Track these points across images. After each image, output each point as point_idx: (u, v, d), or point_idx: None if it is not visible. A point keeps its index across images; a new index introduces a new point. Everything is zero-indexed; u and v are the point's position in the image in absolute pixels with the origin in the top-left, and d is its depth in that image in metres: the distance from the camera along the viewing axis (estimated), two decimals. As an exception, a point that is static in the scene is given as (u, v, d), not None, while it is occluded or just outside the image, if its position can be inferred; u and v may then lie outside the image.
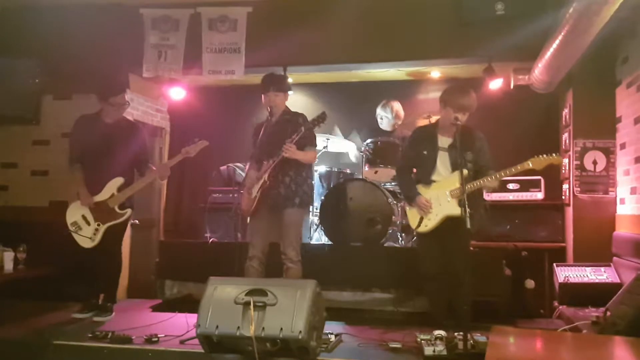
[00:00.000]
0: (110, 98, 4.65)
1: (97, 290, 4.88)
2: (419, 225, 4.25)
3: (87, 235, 4.58)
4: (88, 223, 4.60)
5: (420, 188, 4.26)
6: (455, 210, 4.06)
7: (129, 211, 4.64)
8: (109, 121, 4.74)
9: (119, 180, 4.62)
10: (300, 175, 4.48)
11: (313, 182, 4.95)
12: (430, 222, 4.20)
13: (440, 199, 4.17)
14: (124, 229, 4.85)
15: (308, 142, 4.42)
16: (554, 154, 4.05)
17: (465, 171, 3.97)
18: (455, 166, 4.14)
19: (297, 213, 4.46)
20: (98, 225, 4.58)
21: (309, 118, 4.48)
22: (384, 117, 5.84)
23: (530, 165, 4.03)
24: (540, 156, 4.03)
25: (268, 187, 4.38)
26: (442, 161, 4.23)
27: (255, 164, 4.56)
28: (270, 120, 4.54)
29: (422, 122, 5.78)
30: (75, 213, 4.63)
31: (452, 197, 4.11)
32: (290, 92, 4.92)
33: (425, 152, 4.26)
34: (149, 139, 6.60)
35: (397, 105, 5.87)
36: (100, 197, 4.60)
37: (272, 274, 4.38)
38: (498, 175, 4.09)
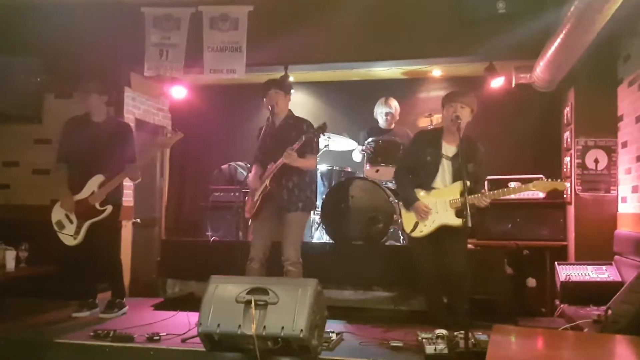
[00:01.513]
0: (78, 93, 4.80)
1: (94, 288, 4.91)
2: (413, 230, 4.26)
3: (70, 233, 4.65)
4: (71, 221, 4.67)
5: (419, 193, 4.25)
6: (452, 220, 4.08)
7: (108, 208, 4.65)
8: (97, 120, 4.81)
9: (99, 178, 4.66)
10: (303, 180, 4.49)
11: (315, 186, 4.97)
12: (425, 229, 4.20)
13: (439, 207, 4.18)
14: (113, 225, 4.90)
15: (308, 149, 4.42)
16: (559, 180, 4.09)
17: (467, 183, 4.00)
18: (456, 176, 4.15)
19: (300, 217, 4.46)
20: (80, 223, 4.63)
21: (311, 122, 4.50)
22: (387, 113, 5.86)
23: (533, 188, 4.06)
24: (546, 180, 4.05)
25: (270, 192, 4.38)
26: (445, 169, 4.24)
27: (260, 167, 4.56)
28: (273, 123, 4.53)
29: (424, 121, 5.80)
30: (59, 212, 4.71)
31: (451, 206, 4.11)
32: (292, 91, 4.92)
33: (428, 158, 4.25)
34: (152, 138, 6.64)
35: (395, 102, 5.95)
36: (81, 195, 4.66)
37: (274, 274, 4.36)
38: (500, 192, 4.10)
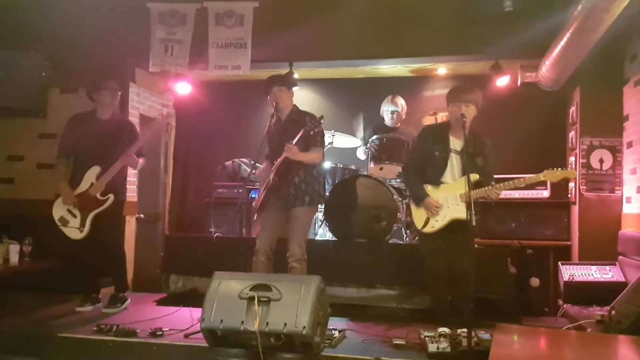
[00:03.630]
0: (92, 94, 4.83)
1: (97, 283, 4.94)
2: (424, 226, 4.24)
3: (76, 226, 4.67)
4: (74, 215, 4.70)
5: (429, 188, 4.24)
6: (463, 214, 4.05)
7: (110, 197, 4.69)
8: (103, 118, 4.85)
9: (95, 169, 4.69)
10: (310, 174, 4.48)
11: (324, 179, 4.95)
12: (437, 224, 4.18)
13: (449, 201, 4.16)
14: (116, 217, 4.93)
15: (312, 142, 4.40)
16: (568, 168, 4.06)
17: (476, 176, 3.99)
18: (465, 170, 4.13)
19: (306, 211, 4.45)
20: (84, 215, 4.66)
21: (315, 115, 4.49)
22: (394, 112, 5.86)
23: (543, 177, 4.04)
24: (555, 169, 4.04)
25: (277, 187, 4.37)
26: (453, 164, 4.22)
27: (269, 163, 4.57)
28: (278, 119, 4.52)
29: (428, 119, 5.80)
30: (60, 209, 4.74)
31: (462, 201, 4.09)
32: (295, 88, 4.91)
33: (437, 153, 4.23)
34: (154, 135, 6.65)
35: (402, 100, 5.95)
36: (80, 188, 4.70)
37: (280, 270, 4.37)
38: (511, 183, 4.09)
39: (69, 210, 4.71)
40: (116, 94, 4.89)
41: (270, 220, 4.47)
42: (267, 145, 4.57)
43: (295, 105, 4.60)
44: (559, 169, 4.04)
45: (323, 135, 4.58)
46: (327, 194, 5.41)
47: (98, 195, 4.66)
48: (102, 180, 4.66)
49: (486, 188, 4.05)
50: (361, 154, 5.97)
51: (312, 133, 4.35)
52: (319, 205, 4.84)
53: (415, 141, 4.67)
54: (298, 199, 4.40)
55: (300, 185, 4.42)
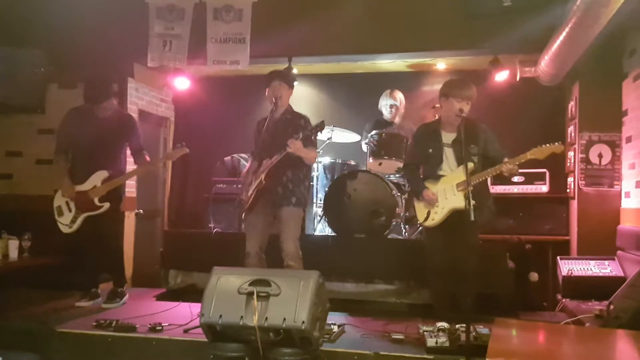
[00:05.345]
0: (94, 105, 4.76)
1: (96, 278, 4.95)
2: (426, 219, 4.25)
3: (65, 222, 4.72)
4: (69, 210, 4.73)
5: (429, 183, 4.26)
6: (461, 203, 4.03)
7: (106, 204, 4.69)
8: (100, 114, 4.81)
9: (103, 174, 4.70)
10: (297, 176, 4.46)
11: (311, 183, 4.95)
12: (437, 216, 4.19)
13: (447, 192, 4.16)
14: (115, 216, 4.93)
15: (308, 142, 4.40)
16: (556, 143, 4.02)
17: (471, 164, 3.98)
18: (460, 160, 4.13)
19: (294, 211, 4.43)
20: (77, 213, 4.69)
21: (311, 120, 4.49)
22: (393, 105, 5.86)
23: (530, 155, 4.01)
24: (543, 145, 4.02)
25: (265, 186, 4.36)
26: (448, 157, 4.23)
27: (255, 161, 4.53)
28: (273, 116, 4.51)
29: (430, 113, 5.78)
30: (60, 199, 4.79)
31: (458, 190, 4.09)
32: (295, 83, 4.89)
33: (430, 150, 4.26)
34: (154, 129, 6.66)
35: (400, 94, 5.95)
36: (83, 187, 4.71)
37: (273, 267, 4.37)
38: (497, 168, 4.07)
39: (67, 203, 4.74)
40: (111, 105, 4.85)
41: (258, 221, 4.46)
42: (256, 143, 4.53)
43: (289, 105, 4.59)
44: (546, 145, 4.02)
45: (316, 139, 4.57)
46: (327, 189, 5.42)
47: (96, 200, 4.66)
48: (106, 187, 4.67)
49: (481, 173, 4.07)
50: (365, 147, 5.96)
51: (309, 133, 4.36)
52: (305, 208, 4.80)
53: (411, 142, 4.73)
54: (285, 198, 4.39)
55: (287, 185, 4.40)
